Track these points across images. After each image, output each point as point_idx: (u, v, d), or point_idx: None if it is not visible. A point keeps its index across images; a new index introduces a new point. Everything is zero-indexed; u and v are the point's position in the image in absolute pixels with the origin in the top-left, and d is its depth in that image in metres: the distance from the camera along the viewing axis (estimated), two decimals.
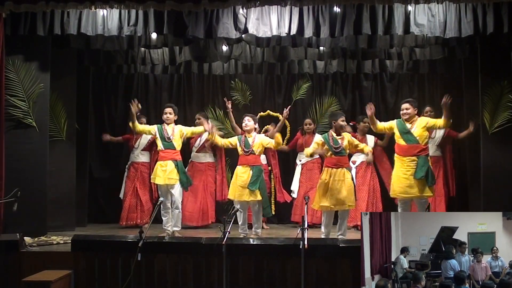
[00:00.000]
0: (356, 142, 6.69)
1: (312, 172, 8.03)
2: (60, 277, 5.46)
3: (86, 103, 8.46)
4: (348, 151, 6.65)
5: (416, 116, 6.54)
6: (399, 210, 6.51)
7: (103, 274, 5.77)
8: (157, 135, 7.08)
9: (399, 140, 6.49)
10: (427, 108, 7.62)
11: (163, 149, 7.04)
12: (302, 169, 8.14)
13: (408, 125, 6.48)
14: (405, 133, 6.45)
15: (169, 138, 7.02)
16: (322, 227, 6.61)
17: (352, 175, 6.69)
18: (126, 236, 6.11)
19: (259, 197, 6.74)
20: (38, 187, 6.97)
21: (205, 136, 7.75)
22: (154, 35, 7.22)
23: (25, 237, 6.15)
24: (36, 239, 6.52)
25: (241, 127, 7.19)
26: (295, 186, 8.12)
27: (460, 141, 8.00)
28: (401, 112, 6.58)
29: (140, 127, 7.13)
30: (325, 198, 6.42)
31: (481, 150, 7.18)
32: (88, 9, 6.42)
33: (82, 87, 8.22)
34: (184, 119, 8.42)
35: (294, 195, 8.09)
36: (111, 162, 8.76)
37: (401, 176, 6.41)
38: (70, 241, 6.00)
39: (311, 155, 6.82)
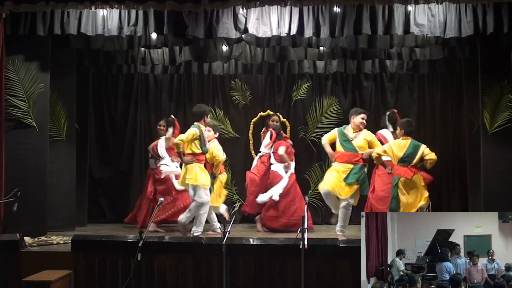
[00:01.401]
0: None
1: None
2: (60, 277, 5.48)
3: (86, 103, 8.46)
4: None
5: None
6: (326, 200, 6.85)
7: (103, 274, 5.77)
8: (200, 137, 6.77)
9: (339, 147, 6.79)
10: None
11: (202, 152, 6.84)
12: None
13: (352, 134, 6.74)
14: (345, 140, 6.74)
15: (205, 141, 6.94)
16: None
17: None
18: (126, 236, 6.12)
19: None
20: (38, 187, 6.97)
21: None
22: (154, 35, 7.22)
23: (25, 237, 6.15)
24: (36, 239, 6.53)
25: None
26: None
27: (460, 141, 7.99)
28: (360, 121, 6.77)
29: (183, 146, 6.72)
30: None
31: (481, 150, 7.18)
32: (88, 9, 6.43)
33: (82, 87, 8.22)
34: (184, 120, 8.43)
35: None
36: (111, 162, 8.77)
37: (334, 176, 6.66)
38: (70, 241, 6.00)
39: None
